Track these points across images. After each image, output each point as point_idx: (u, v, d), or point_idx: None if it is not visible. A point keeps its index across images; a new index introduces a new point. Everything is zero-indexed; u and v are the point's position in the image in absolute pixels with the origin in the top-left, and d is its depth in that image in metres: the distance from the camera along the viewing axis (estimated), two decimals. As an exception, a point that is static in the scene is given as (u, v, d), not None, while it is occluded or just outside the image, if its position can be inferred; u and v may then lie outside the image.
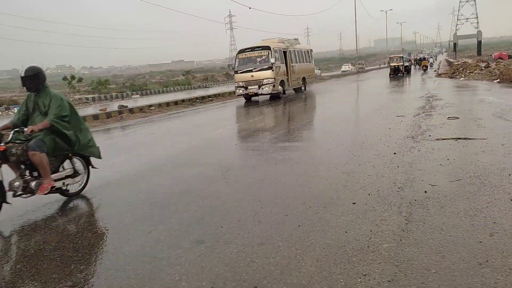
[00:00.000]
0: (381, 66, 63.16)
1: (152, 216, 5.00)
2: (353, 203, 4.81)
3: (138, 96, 36.49)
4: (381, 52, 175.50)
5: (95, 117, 17.43)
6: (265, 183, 6.13)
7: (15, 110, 26.48)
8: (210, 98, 25.20)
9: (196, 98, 24.70)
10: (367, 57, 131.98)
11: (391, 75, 35.34)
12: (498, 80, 21.65)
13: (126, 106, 20.02)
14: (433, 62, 66.26)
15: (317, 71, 50.85)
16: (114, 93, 37.07)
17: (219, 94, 27.14)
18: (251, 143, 9.59)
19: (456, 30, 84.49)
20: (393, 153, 7.27)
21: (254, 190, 5.82)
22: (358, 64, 69.24)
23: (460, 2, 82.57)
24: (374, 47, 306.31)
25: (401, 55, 41.30)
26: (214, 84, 53.08)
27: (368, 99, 19.20)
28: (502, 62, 32.27)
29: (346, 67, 65.39)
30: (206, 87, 48.66)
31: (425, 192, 5.02)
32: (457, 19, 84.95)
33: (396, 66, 35.65)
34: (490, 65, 28.38)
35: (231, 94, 27.87)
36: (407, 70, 38.53)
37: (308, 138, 10.25)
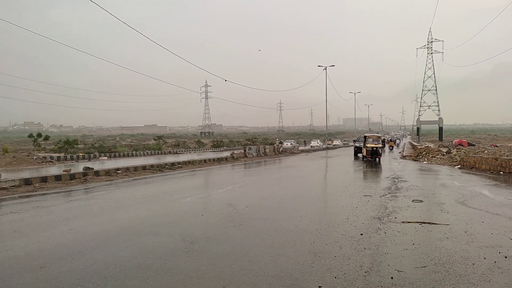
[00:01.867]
0: (349, 143, 65.36)
1: (105, 292, 4.63)
2: (319, 287, 4.65)
3: (106, 158, 35.74)
4: (349, 130, 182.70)
5: (58, 177, 16.78)
6: (230, 258, 5.89)
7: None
8: (180, 165, 24.98)
9: (166, 164, 24.43)
10: (336, 134, 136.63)
11: (364, 158, 29.75)
12: (459, 166, 22.66)
13: (92, 168, 19.45)
14: (399, 143, 69.62)
15: (290, 144, 52.20)
16: (81, 154, 36.26)
17: (189, 162, 26.97)
18: (218, 214, 9.36)
19: (419, 115, 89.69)
20: (360, 234, 7.24)
21: (219, 265, 5.56)
22: (328, 140, 71.84)
23: (422, 90, 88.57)
24: (343, 125, 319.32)
25: (379, 135, 35.19)
26: (185, 151, 52.99)
27: (336, 177, 19.53)
28: (462, 148, 34.05)
29: (315, 143, 67.35)
30: (176, 153, 48.45)
31: (391, 278, 4.94)
32: (420, 106, 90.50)
33: (374, 148, 28.12)
34: (451, 151, 29.86)
35: (202, 162, 27.84)
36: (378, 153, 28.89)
37: (277, 211, 10.13)
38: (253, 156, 35.68)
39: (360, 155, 33.34)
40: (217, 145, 64.72)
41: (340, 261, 5.62)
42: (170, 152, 48.52)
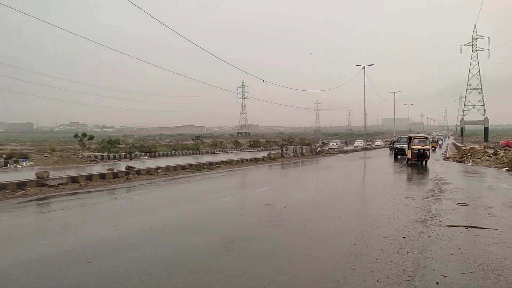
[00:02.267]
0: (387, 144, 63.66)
1: (149, 287, 4.76)
2: (361, 290, 4.57)
3: (146, 157, 36.73)
4: (388, 131, 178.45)
5: (102, 176, 17.44)
6: (270, 258, 5.90)
7: (24, 163, 26.71)
8: (218, 165, 25.30)
9: (204, 164, 24.81)
10: (375, 134, 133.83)
11: (409, 161, 26.98)
12: (507, 168, 21.60)
13: (134, 168, 20.05)
14: (441, 143, 67.20)
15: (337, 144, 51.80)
16: (123, 153, 37.43)
17: (226, 162, 27.26)
18: (257, 215, 9.40)
19: (464, 115, 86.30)
20: (402, 237, 7.05)
21: (258, 265, 5.59)
22: (368, 141, 71.14)
23: (467, 89, 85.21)
24: (381, 125, 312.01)
25: (426, 135, 31.37)
26: (222, 151, 53.60)
27: (376, 178, 19.12)
28: (510, 150, 32.43)
29: (358, 143, 66.70)
30: (214, 153, 49.10)
31: (437, 283, 4.78)
32: (464, 105, 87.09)
33: (421, 150, 25.17)
34: (498, 152, 28.51)
35: (239, 162, 28.05)
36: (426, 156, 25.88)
37: (316, 212, 10.03)
38: (290, 156, 35.57)
39: (400, 156, 31.87)
40: (253, 145, 65.00)
41: (382, 265, 5.50)
42: (207, 152, 49.24)
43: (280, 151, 36.28)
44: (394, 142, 48.22)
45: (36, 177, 15.14)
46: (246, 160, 29.65)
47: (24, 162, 27.06)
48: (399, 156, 32.24)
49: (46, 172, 15.68)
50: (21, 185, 14.19)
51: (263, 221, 8.65)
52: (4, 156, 30.56)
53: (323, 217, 9.12)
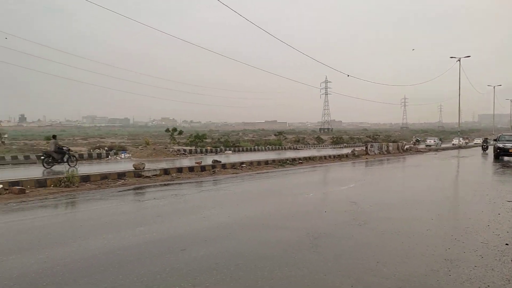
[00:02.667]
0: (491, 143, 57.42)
1: (238, 278, 4.93)
2: (459, 298, 4.28)
3: (230, 152, 37.95)
4: (486, 128, 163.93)
5: (191, 169, 18.41)
6: (356, 256, 5.77)
7: (122, 155, 29.11)
8: (301, 161, 25.30)
9: (287, 159, 24.97)
10: (470, 132, 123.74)
11: None
12: None
13: (220, 162, 20.86)
14: None
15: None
16: (209, 147, 39.12)
17: (309, 158, 27.14)
18: (342, 212, 9.23)
19: None
20: (505, 243, 6.45)
21: (345, 262, 5.50)
22: (465, 138, 66.67)
23: None
24: (478, 122, 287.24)
25: None
26: (304, 147, 53.46)
27: (472, 179, 17.67)
28: None
29: (456, 141, 62.35)
30: (296, 149, 49.16)
31: (549, 297, 4.30)
32: None
33: None
34: None
35: (322, 159, 27.75)
36: None
37: (405, 212, 9.56)
38: (375, 153, 34.36)
39: (507, 158, 27.72)
40: (336, 141, 63.86)
41: (482, 272, 5.09)
42: (290, 148, 49.46)
43: (364, 148, 35.21)
44: (487, 140, 43.88)
45: (133, 168, 16.45)
46: (329, 156, 29.26)
47: (122, 154, 29.50)
48: (505, 158, 27.91)
49: (142, 164, 16.96)
50: (121, 175, 15.52)
51: (349, 219, 8.48)
52: (106, 148, 33.67)
53: (412, 218, 8.67)
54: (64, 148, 20.32)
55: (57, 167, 18.94)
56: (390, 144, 39.95)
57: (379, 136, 74.94)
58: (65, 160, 19.58)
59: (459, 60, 51.87)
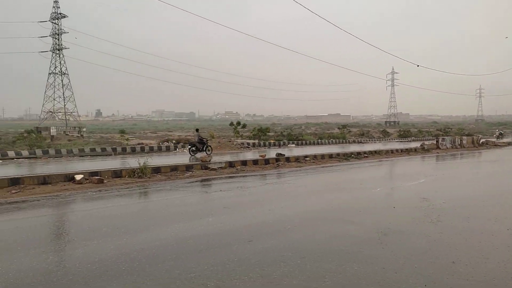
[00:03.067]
0: None
1: (305, 271, 4.92)
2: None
3: (293, 145, 37.82)
4: None
5: (255, 162, 18.63)
6: (429, 255, 5.51)
7: (189, 148, 30.10)
8: (366, 155, 24.60)
9: (351, 153, 24.39)
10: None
11: None
12: None
13: (283, 155, 20.87)
14: None
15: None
16: (272, 141, 39.30)
17: (375, 151, 26.29)
18: (412, 208, 8.86)
19: None
20: None
21: (417, 261, 5.28)
22: None
23: None
24: None
25: None
26: (369, 140, 51.89)
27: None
28: None
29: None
30: (360, 142, 47.86)
31: None
32: None
33: None
34: None
35: (388, 153, 26.78)
36: None
37: (481, 210, 8.94)
38: (446, 147, 32.49)
39: None
40: (403, 135, 61.20)
41: None
42: (354, 142, 48.24)
43: (435, 142, 33.40)
44: None
45: (200, 161, 16.99)
46: (396, 150, 28.14)
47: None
48: None
49: (209, 156, 17.45)
50: (188, 167, 16.11)
51: (420, 215, 8.11)
52: (173, 141, 35.09)
53: (490, 216, 8.09)
54: (204, 139, 23.43)
55: (198, 154, 21.19)
56: (464, 137, 37.51)
57: (451, 129, 70.64)
58: (204, 149, 22.32)
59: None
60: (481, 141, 38.68)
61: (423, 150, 29.89)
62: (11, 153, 23.16)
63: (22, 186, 11.66)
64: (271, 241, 6.25)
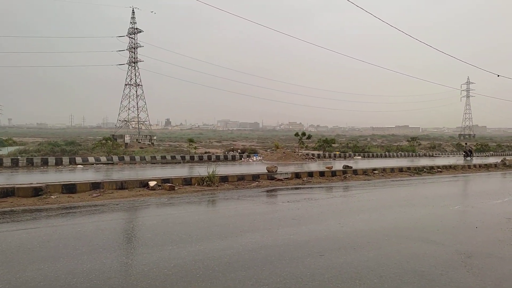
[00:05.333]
0: None
1: (384, 291, 4.68)
2: None
3: (360, 157, 36.79)
4: None
5: (321, 173, 18.33)
6: (523, 285, 5.00)
7: (254, 158, 30.45)
8: (440, 169, 23.23)
9: (424, 167, 23.16)
10: None
11: None
12: None
13: (351, 167, 20.35)
14: None
15: None
16: (337, 152, 38.55)
17: (450, 166, 24.76)
18: (497, 229, 8.15)
19: None
20: None
21: (508, 290, 4.81)
22: None
23: None
24: None
25: None
26: (441, 154, 49.07)
27: None
28: None
29: None
30: (432, 156, 45.42)
31: None
32: None
33: None
34: None
35: (465, 168, 25.12)
36: None
37: None
38: (531, 164, 29.73)
39: None
40: (481, 149, 57.19)
41: None
42: (424, 155, 45.92)
43: (518, 157, 30.75)
44: None
45: (267, 171, 17.06)
46: (474, 165, 26.30)
47: (254, 157, 30.90)
48: None
49: (275, 167, 17.48)
50: (255, 177, 16.23)
51: (507, 238, 7.46)
52: (239, 150, 35.65)
53: None
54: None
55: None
56: (552, 153, 34.18)
57: (535, 143, 64.74)
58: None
59: None
60: None
61: (505, 166, 27.65)
62: (91, 159, 24.89)
63: (102, 190, 12.43)
64: (344, 257, 6.04)
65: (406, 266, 5.65)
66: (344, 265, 5.67)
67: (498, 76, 37.64)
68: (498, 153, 52.28)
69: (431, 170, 22.71)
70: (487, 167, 26.45)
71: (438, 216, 9.70)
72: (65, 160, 23.73)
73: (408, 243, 7.01)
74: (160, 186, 13.33)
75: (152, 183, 13.21)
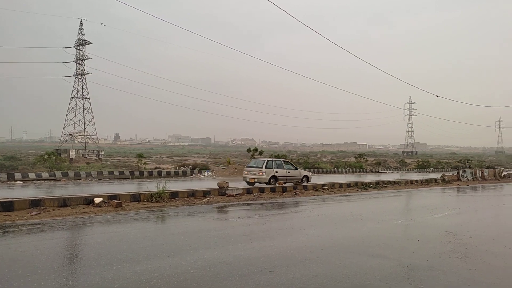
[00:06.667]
0: None
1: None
2: None
3: (310, 173, 37.62)
4: None
5: (272, 189, 18.46)
6: (460, 295, 5.25)
7: (206, 173, 30.17)
8: (385, 185, 24.18)
9: (370, 182, 24.04)
10: None
11: None
12: None
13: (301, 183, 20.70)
14: None
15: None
16: (288, 168, 39.13)
17: (394, 182, 25.86)
18: (437, 242, 8.55)
19: None
20: None
21: (448, 301, 5.03)
22: None
23: None
24: None
25: None
26: (386, 170, 51.25)
27: None
28: None
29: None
30: (378, 172, 47.30)
31: None
32: None
33: None
34: None
35: (408, 183, 26.32)
36: None
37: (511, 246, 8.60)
38: (467, 180, 31.77)
39: None
40: (422, 165, 60.35)
41: None
42: (371, 171, 47.72)
43: (455, 174, 32.76)
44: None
45: (218, 187, 16.93)
46: (416, 181, 27.65)
47: (206, 173, 30.63)
48: None
49: (226, 183, 17.39)
50: (206, 193, 16.04)
51: (446, 250, 7.83)
52: (190, 166, 35.20)
53: (523, 254, 7.75)
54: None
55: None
56: (485, 169, 36.72)
57: (471, 160, 69.33)
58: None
59: None
60: (503, 174, 37.79)
61: (444, 181, 29.29)
62: (31, 175, 23.53)
63: (42, 208, 11.72)
64: (294, 273, 6.06)
65: (353, 280, 5.77)
66: (293, 280, 5.68)
67: (437, 96, 40.14)
68: (438, 169, 55.37)
69: (377, 185, 23.58)
70: (427, 182, 27.88)
71: (384, 230, 10.04)
72: (3, 176, 22.27)
73: (356, 257, 7.17)
74: (106, 202, 12.81)
75: (97, 200, 12.66)
